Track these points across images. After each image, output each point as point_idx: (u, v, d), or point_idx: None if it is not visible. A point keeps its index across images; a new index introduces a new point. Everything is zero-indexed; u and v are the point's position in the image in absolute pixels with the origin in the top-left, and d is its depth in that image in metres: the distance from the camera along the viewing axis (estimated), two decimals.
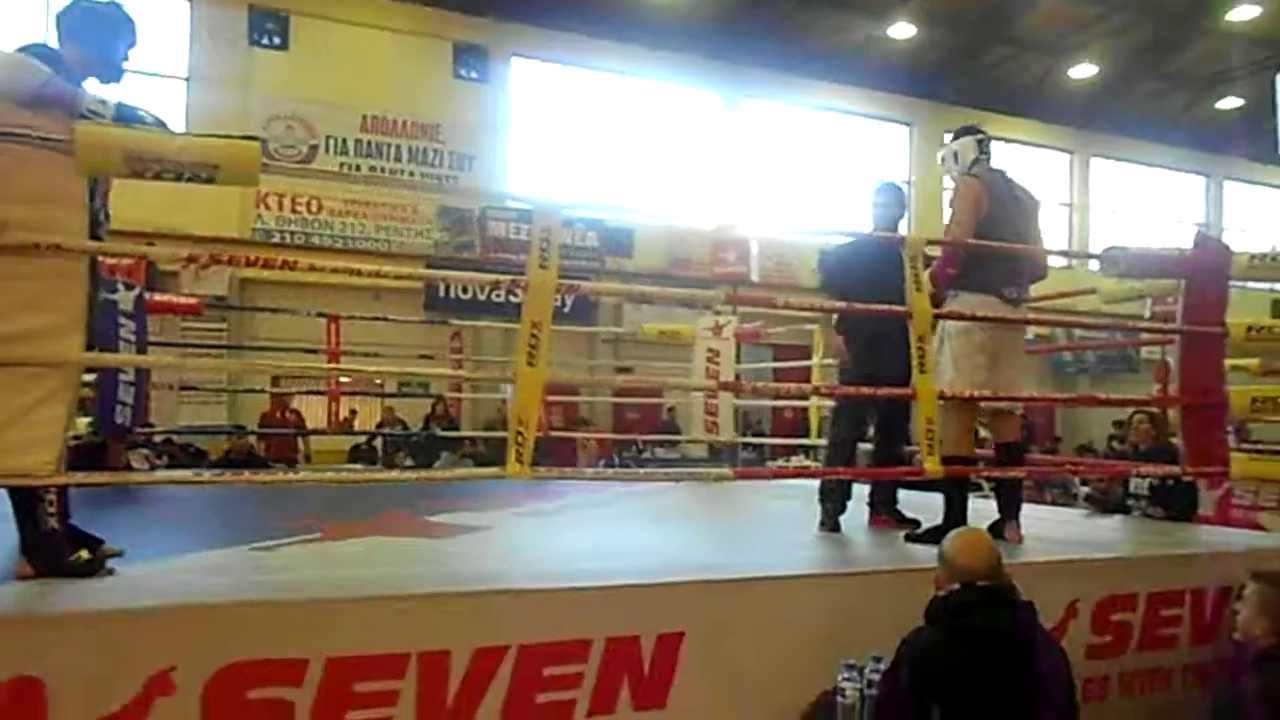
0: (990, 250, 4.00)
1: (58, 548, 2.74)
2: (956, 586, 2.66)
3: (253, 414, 12.33)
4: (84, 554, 2.79)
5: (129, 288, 5.05)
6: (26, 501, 2.71)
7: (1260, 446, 9.19)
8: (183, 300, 7.50)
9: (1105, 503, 6.64)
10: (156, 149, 2.57)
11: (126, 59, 3.04)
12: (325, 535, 3.81)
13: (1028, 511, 4.32)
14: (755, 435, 11.97)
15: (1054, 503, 9.33)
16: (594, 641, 2.79)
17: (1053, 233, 19.59)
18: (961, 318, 3.99)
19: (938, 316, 3.81)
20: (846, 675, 2.80)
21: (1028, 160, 19.46)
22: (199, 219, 11.43)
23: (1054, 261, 4.59)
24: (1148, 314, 6.05)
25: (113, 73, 3.00)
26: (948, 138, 4.42)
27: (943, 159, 4.40)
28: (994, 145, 4.33)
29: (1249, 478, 4.83)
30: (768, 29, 16.42)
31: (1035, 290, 4.48)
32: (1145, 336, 6.41)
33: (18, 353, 2.50)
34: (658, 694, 2.87)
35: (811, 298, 4.90)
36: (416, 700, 2.57)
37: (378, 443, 11.81)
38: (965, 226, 4.00)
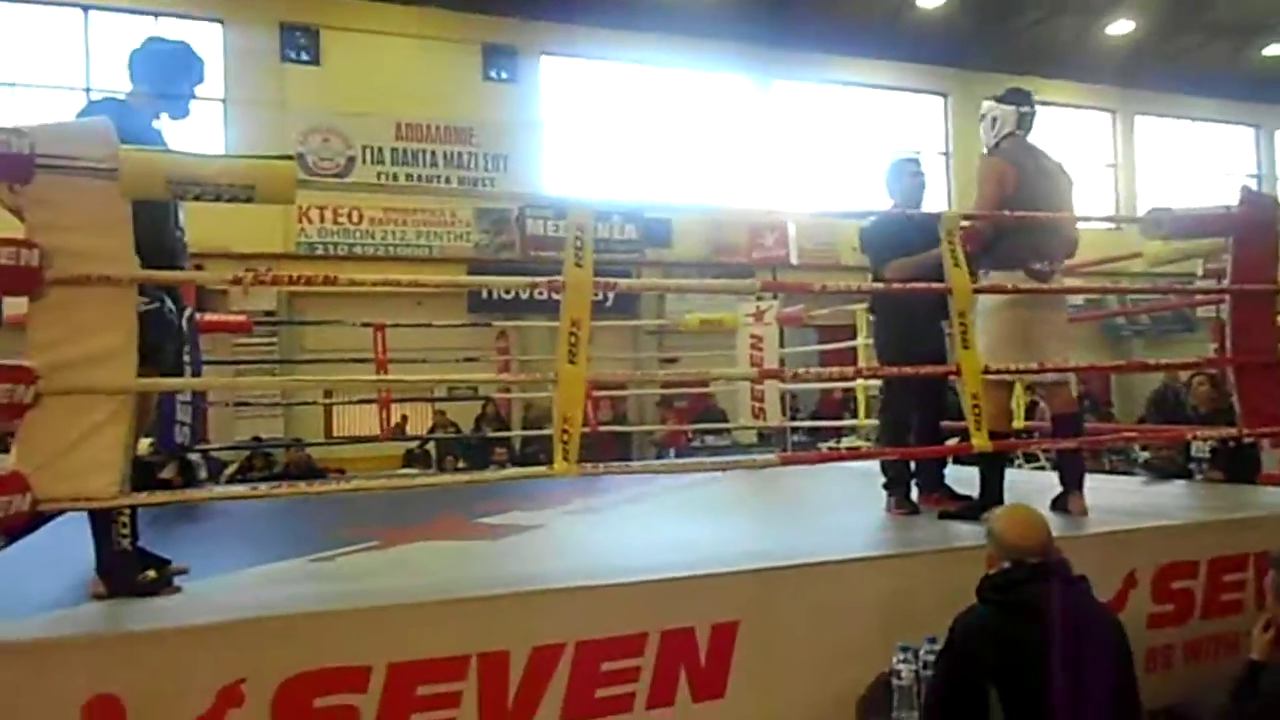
0: (1016, 225, 3.97)
1: (128, 567, 2.84)
2: (1007, 564, 2.65)
3: (307, 426, 12.59)
4: (151, 573, 2.89)
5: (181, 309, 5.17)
6: (101, 523, 2.81)
7: None
8: (234, 318, 7.67)
9: (1165, 469, 6.54)
10: (195, 172, 2.64)
11: (193, 95, 3.18)
12: (382, 543, 3.88)
13: (1086, 480, 4.27)
14: (805, 418, 11.93)
15: (1113, 470, 9.19)
16: (649, 635, 2.83)
17: (1098, 195, 19.21)
18: (999, 291, 3.95)
19: (976, 291, 3.78)
20: (901, 657, 2.81)
21: (1068, 122, 19.06)
22: (244, 235, 11.60)
23: (1101, 225, 4.51)
24: (1200, 273, 5.91)
25: (181, 109, 3.17)
26: (986, 104, 4.33)
27: (983, 116, 4.31)
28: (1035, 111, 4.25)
29: None
30: (795, 7, 16.25)
31: (1081, 254, 4.43)
32: (1198, 297, 6.27)
33: (76, 378, 2.54)
34: (716, 684, 2.90)
35: (851, 278, 4.87)
36: (478, 701, 2.63)
37: (431, 447, 12.00)
38: (992, 208, 3.99)
